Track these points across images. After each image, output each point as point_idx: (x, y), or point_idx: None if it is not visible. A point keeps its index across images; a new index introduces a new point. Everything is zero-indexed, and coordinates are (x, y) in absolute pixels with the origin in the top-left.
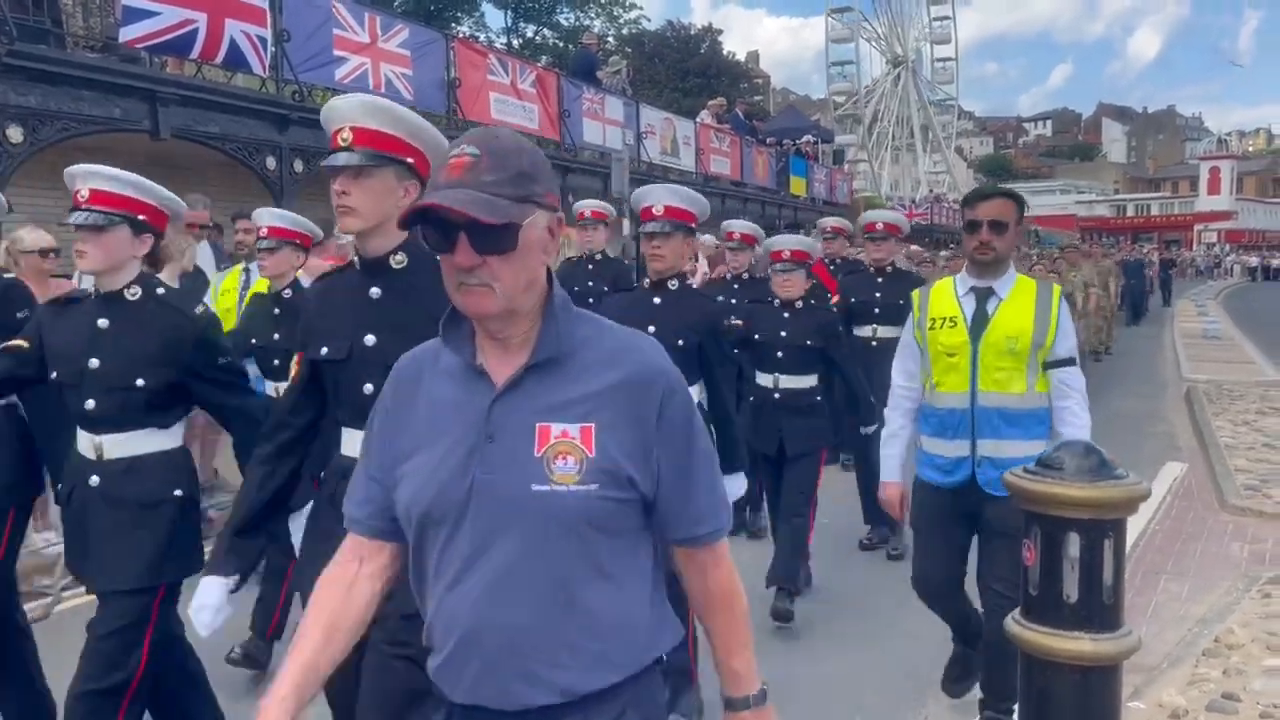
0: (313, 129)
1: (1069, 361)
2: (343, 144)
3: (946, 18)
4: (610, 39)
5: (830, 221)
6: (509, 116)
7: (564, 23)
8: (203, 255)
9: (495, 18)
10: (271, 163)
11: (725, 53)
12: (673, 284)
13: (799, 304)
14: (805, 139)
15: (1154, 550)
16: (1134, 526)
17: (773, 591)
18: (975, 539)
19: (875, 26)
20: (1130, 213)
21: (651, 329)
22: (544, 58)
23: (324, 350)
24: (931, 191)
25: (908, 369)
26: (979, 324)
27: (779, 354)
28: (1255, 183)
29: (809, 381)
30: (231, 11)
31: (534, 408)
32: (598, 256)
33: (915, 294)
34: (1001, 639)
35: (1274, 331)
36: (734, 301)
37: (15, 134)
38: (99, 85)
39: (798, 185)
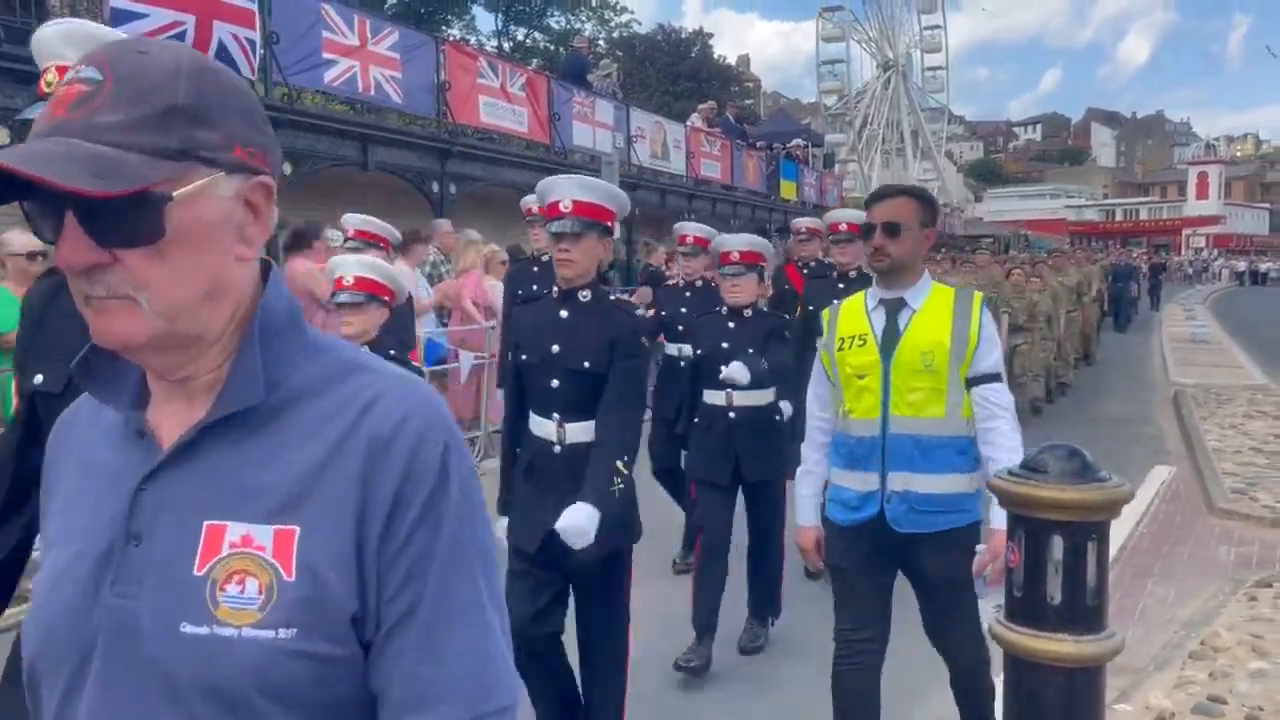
0: (303, 132)
1: (993, 377)
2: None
3: (937, 26)
4: (601, 42)
5: (805, 222)
6: (498, 119)
7: (555, 26)
8: None
9: (486, 20)
10: None
11: (716, 56)
12: (584, 294)
13: (748, 312)
14: (795, 143)
15: (1141, 553)
16: (1122, 529)
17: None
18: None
19: (866, 29)
20: (1119, 217)
21: (555, 348)
22: (535, 61)
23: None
24: None
25: (821, 396)
26: (889, 340)
27: (724, 368)
28: (1243, 187)
29: (765, 397)
30: (220, 13)
31: (206, 495)
32: (544, 257)
33: (825, 312)
34: (970, 684)
35: (1261, 335)
36: (684, 311)
37: (2, 137)
38: None
39: (788, 189)
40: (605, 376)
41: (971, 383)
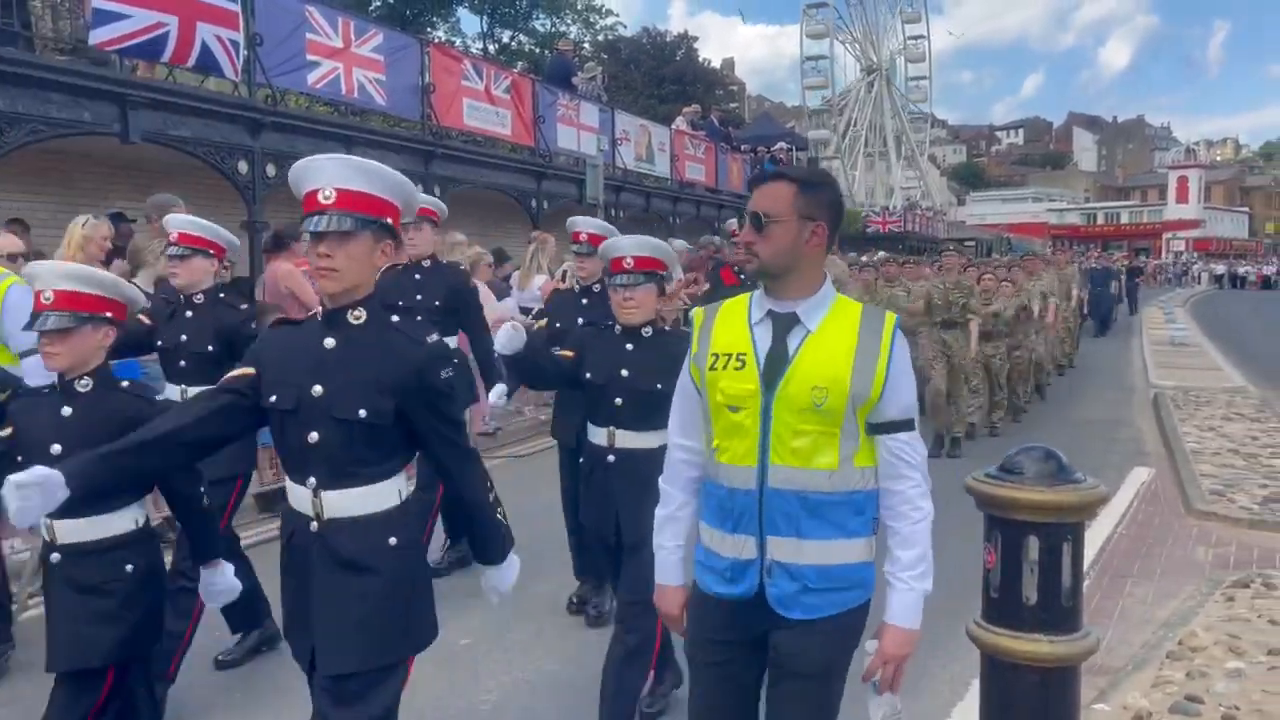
0: (285, 134)
1: (905, 425)
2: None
3: (921, 36)
4: (586, 45)
5: (737, 223)
6: (483, 122)
7: (540, 28)
8: None
9: (471, 23)
10: (244, 167)
11: (701, 60)
12: (646, 331)
13: (647, 331)
14: (779, 146)
15: (1120, 554)
16: (1101, 530)
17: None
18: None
19: (850, 30)
20: (1101, 221)
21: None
22: (520, 64)
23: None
24: (908, 199)
25: (687, 421)
26: (775, 366)
27: (617, 400)
28: (1222, 191)
29: (655, 440)
30: (203, 14)
31: None
32: (425, 263)
33: (698, 313)
34: None
35: (1240, 338)
36: (582, 321)
37: None
38: (68, 88)
39: None
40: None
41: (876, 429)
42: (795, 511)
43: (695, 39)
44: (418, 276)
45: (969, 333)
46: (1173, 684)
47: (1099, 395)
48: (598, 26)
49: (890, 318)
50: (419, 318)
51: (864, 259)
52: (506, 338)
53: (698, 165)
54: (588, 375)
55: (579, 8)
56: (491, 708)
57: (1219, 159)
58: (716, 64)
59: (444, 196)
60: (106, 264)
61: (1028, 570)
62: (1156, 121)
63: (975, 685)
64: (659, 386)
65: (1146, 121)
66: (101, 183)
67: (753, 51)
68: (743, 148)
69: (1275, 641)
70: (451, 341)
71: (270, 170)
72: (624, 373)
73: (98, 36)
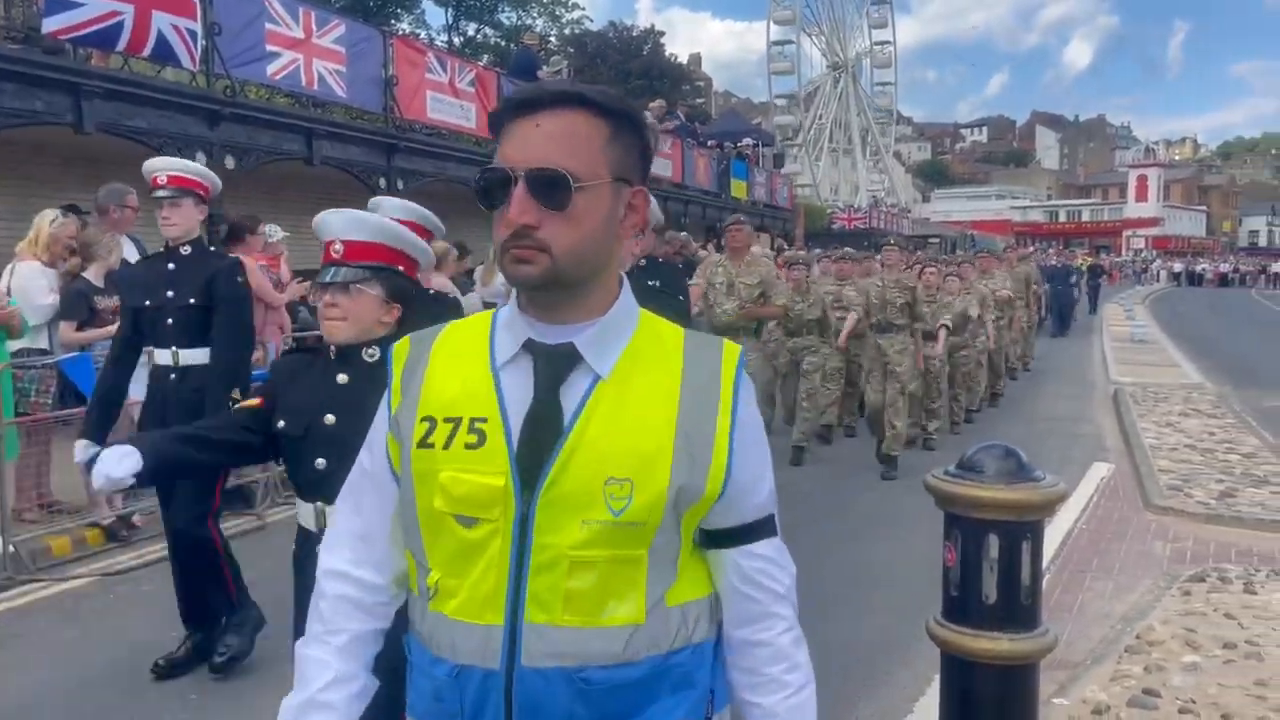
0: (245, 125)
1: (764, 528)
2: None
3: (887, 42)
4: (552, 39)
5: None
6: (446, 115)
7: (506, 21)
8: (128, 249)
9: (436, 15)
10: (201, 158)
11: (668, 55)
12: (370, 353)
13: (372, 353)
14: (746, 142)
15: (1080, 549)
16: (1061, 526)
17: None
18: None
19: (818, 24)
20: (1063, 218)
21: None
22: (485, 57)
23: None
24: (873, 197)
25: (367, 533)
26: (537, 444)
27: (318, 463)
28: (1181, 190)
29: None
30: (160, 3)
31: None
32: (185, 249)
33: (399, 346)
34: None
35: (1198, 335)
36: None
37: None
38: (20, 78)
39: (739, 188)
40: None
41: (718, 540)
42: (566, 708)
43: (662, 34)
44: (171, 266)
45: (931, 339)
46: (1130, 678)
47: (1060, 392)
48: (564, 20)
49: (731, 350)
50: (169, 320)
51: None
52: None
53: (664, 160)
54: (280, 424)
55: (545, 1)
56: None
57: (1178, 158)
58: (684, 59)
59: (407, 190)
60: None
61: (987, 568)
62: (1117, 121)
63: (936, 682)
64: None
65: (1108, 121)
66: (56, 174)
67: (720, 47)
68: (709, 143)
69: (1230, 635)
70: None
71: (229, 162)
72: (328, 419)
73: (50, 25)
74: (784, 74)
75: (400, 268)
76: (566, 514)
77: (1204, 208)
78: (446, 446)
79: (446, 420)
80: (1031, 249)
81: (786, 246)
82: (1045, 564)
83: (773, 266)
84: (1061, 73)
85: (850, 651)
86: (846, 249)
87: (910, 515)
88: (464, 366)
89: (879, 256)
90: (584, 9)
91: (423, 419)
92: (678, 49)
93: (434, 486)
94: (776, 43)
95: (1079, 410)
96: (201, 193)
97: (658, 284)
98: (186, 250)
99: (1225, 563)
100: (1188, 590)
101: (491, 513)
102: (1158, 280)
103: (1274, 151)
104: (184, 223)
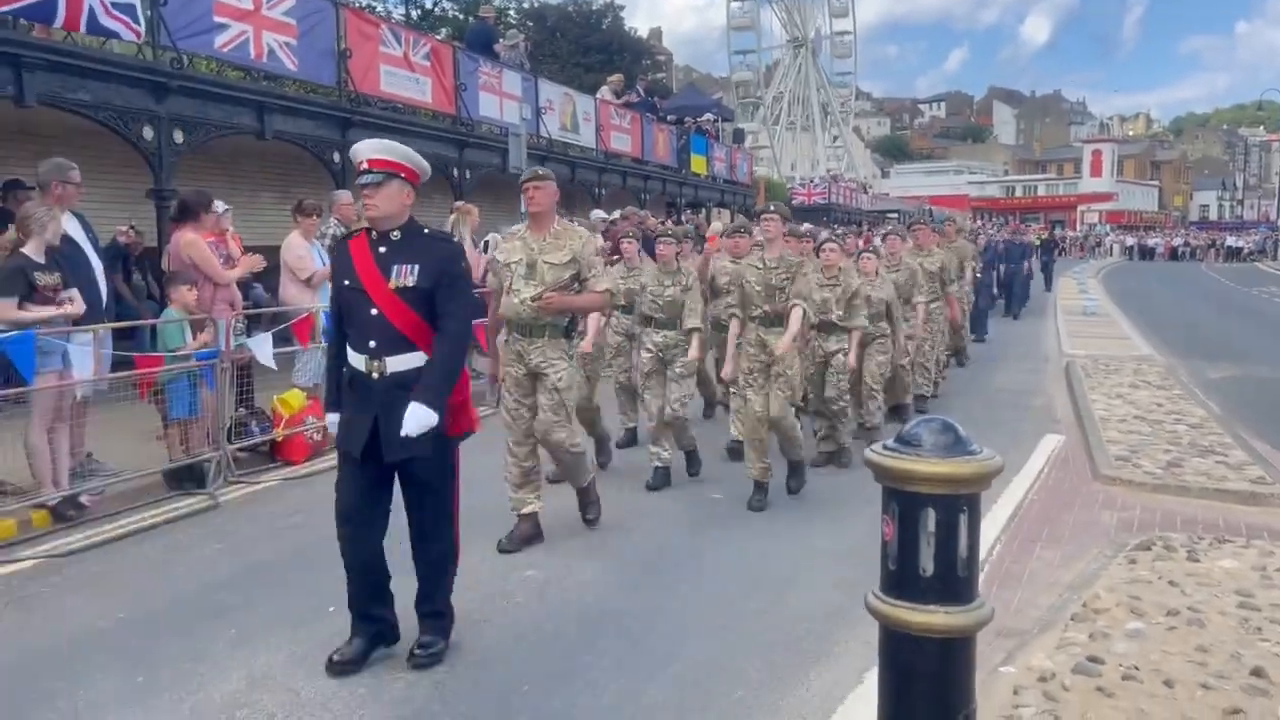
0: (193, 98)
1: None
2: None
3: (847, 32)
4: (511, 13)
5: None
6: (401, 89)
7: None
8: (71, 226)
9: None
10: (149, 132)
11: (628, 29)
12: (395, 234)
13: (396, 235)
14: (706, 117)
15: (1030, 519)
16: (1013, 497)
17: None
18: None
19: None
20: (1019, 193)
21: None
22: (445, 30)
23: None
24: (829, 171)
25: None
26: None
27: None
28: (1134, 165)
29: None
30: None
31: None
32: None
33: None
34: None
35: (1148, 308)
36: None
37: None
38: None
39: (698, 164)
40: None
41: None
42: None
43: (622, 7)
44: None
45: (827, 335)
46: (1076, 645)
47: (1015, 365)
48: None
49: None
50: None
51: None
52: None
53: (624, 136)
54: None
55: None
56: (405, 684)
57: (1131, 134)
58: (644, 33)
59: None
60: None
61: (924, 542)
62: (1073, 96)
63: None
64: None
65: (1063, 96)
66: None
67: (682, 23)
68: (669, 118)
69: (1174, 602)
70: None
71: (178, 136)
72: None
73: None
74: (743, 29)
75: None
76: None
77: (1156, 183)
78: None
79: None
80: (978, 223)
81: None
82: (996, 534)
83: (592, 240)
84: (1019, 49)
85: (801, 624)
86: (791, 225)
87: (860, 489)
88: None
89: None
90: None
91: None
92: (638, 23)
93: None
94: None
95: (1032, 383)
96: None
97: None
98: (397, 236)
99: (1171, 531)
100: (1133, 559)
101: None
102: (1110, 254)
103: (1225, 127)
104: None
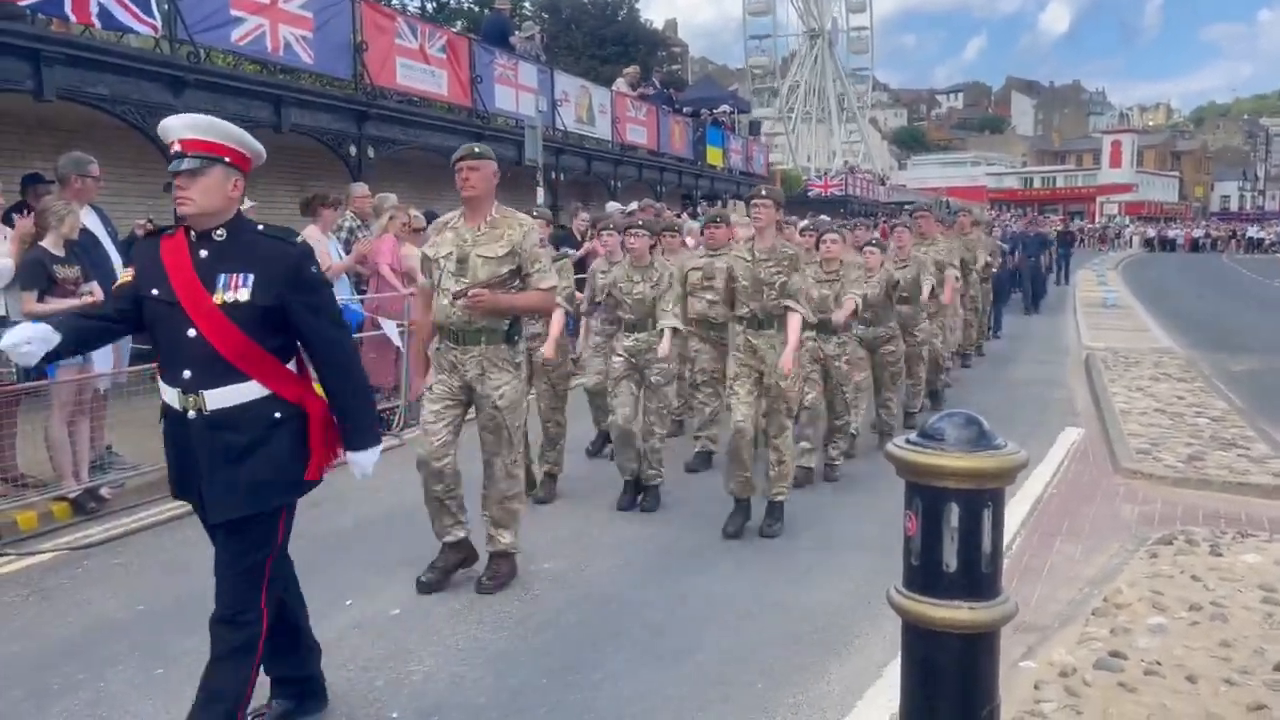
0: (210, 92)
1: None
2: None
3: (864, 28)
4: (526, 4)
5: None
6: (417, 82)
7: None
8: (90, 220)
9: None
10: None
11: (643, 21)
12: (219, 233)
13: (220, 233)
14: (722, 109)
15: (1050, 513)
16: (1032, 491)
17: None
18: None
19: None
20: (1037, 185)
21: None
22: (460, 23)
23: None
24: (846, 163)
25: None
26: None
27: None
28: (1154, 156)
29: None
30: None
31: None
32: None
33: None
34: None
35: (1168, 300)
36: None
37: None
38: None
39: (714, 155)
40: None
41: None
42: None
43: None
44: None
45: (829, 332)
46: (1097, 640)
47: (1033, 357)
48: None
49: None
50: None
51: (803, 222)
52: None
53: (639, 128)
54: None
55: None
56: (422, 677)
57: (1151, 124)
58: (659, 25)
59: (377, 158)
60: (7, 222)
61: (948, 537)
62: (1092, 86)
63: None
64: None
65: (1082, 86)
66: (17, 142)
67: (698, 14)
68: (685, 110)
69: (1196, 597)
70: None
71: None
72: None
73: None
74: (760, 14)
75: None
76: None
77: (1177, 173)
78: None
79: None
80: (995, 214)
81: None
82: (1016, 528)
83: (535, 230)
84: (1038, 38)
85: (821, 617)
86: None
87: (881, 480)
88: None
89: (800, 221)
90: None
91: None
92: (653, 15)
93: None
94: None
95: (1051, 375)
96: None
97: None
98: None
99: (1193, 525)
100: (1155, 553)
101: None
102: (1130, 246)
103: (1246, 116)
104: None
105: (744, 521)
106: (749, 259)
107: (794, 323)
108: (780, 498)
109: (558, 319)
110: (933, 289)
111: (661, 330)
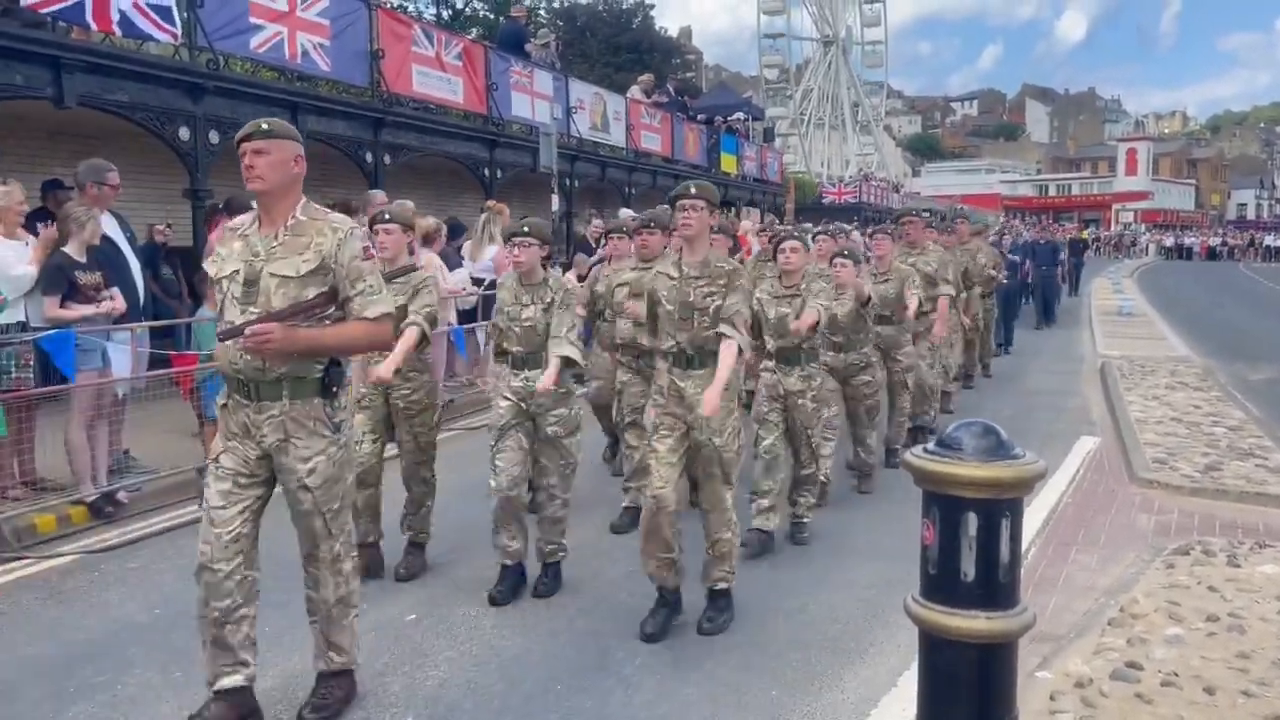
0: (229, 99)
1: None
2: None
3: (879, 42)
4: (542, 12)
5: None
6: (433, 89)
7: None
8: (109, 226)
9: None
10: (185, 133)
11: (658, 28)
12: None
13: None
14: (736, 116)
15: (1066, 522)
16: (1047, 500)
17: None
18: None
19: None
20: (1052, 192)
21: None
22: (475, 30)
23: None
24: (860, 170)
25: None
26: None
27: None
28: (1170, 163)
29: None
30: None
31: None
32: None
33: None
34: None
35: (1184, 308)
36: None
37: None
38: None
39: (728, 163)
40: None
41: None
42: None
43: (652, 6)
44: None
45: (787, 362)
46: (1114, 651)
47: (1048, 366)
48: None
49: None
50: None
51: (818, 229)
52: None
53: (654, 135)
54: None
55: None
56: (438, 683)
57: (1167, 132)
58: (674, 32)
59: (393, 164)
60: (30, 229)
61: (965, 546)
62: (1107, 94)
63: None
64: None
65: (1097, 94)
66: (37, 148)
67: (712, 22)
68: (699, 117)
69: (1213, 608)
70: None
71: (214, 137)
72: None
73: None
74: (775, 13)
75: None
76: None
77: (1193, 181)
78: None
79: None
80: (1005, 221)
81: (778, 221)
82: (1031, 537)
83: (354, 236)
84: (1054, 45)
85: (835, 625)
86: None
87: (894, 487)
88: None
89: (812, 230)
90: None
91: None
92: (668, 22)
93: None
94: (768, 12)
95: (1066, 384)
96: None
97: None
98: None
99: (1209, 535)
100: (1171, 563)
101: None
102: (1146, 254)
103: (1263, 125)
104: None
105: (669, 618)
106: (675, 276)
107: (727, 353)
108: (723, 585)
109: (409, 336)
110: (919, 305)
111: (557, 359)
